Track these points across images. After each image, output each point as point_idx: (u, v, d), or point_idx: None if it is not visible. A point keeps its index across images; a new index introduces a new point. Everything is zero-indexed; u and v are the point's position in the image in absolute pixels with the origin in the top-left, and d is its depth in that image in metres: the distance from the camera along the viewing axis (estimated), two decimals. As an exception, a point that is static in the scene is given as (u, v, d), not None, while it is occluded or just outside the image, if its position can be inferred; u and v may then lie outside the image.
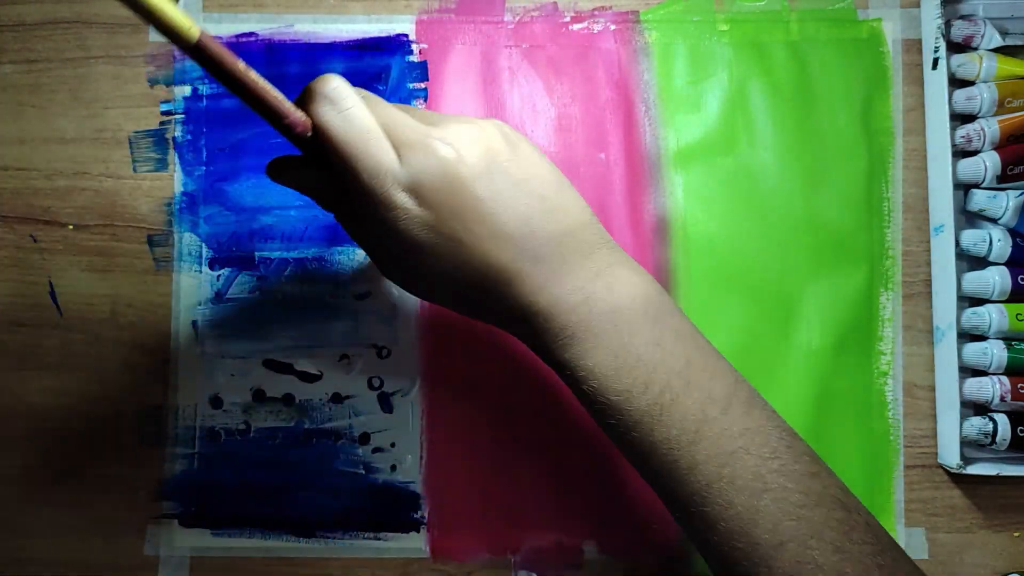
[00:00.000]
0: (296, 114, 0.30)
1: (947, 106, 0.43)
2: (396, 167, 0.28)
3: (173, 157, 0.45)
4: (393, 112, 0.30)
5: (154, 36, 0.46)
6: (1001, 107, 0.43)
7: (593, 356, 0.29)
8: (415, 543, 0.43)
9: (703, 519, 0.28)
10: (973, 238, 0.43)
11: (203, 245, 0.44)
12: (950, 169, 0.43)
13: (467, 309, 0.32)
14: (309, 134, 0.30)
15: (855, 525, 0.27)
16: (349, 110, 0.29)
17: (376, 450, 0.44)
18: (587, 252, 0.30)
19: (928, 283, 0.44)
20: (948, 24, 0.44)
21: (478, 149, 0.29)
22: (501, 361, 0.44)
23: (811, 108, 0.45)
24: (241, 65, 0.28)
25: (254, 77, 0.28)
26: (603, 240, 0.32)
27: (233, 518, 0.43)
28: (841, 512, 0.27)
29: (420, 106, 0.45)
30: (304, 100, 0.30)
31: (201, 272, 0.44)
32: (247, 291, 0.44)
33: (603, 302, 0.29)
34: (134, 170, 0.45)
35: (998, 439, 0.41)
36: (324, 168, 0.31)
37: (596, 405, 0.30)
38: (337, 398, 0.44)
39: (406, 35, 0.45)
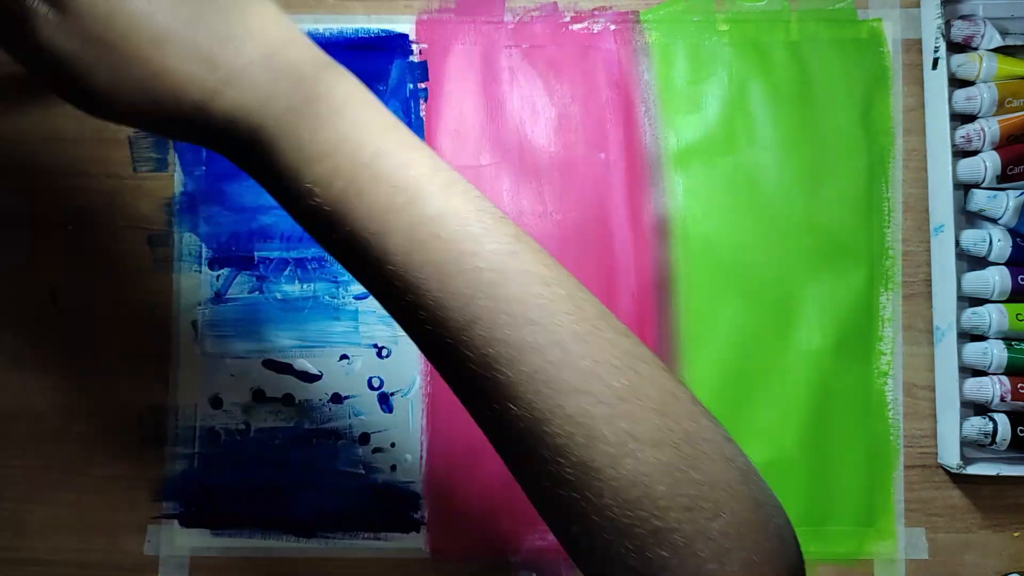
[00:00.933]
0: None
1: (947, 106, 0.43)
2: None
3: (173, 157, 0.45)
4: None
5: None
6: (1001, 107, 0.43)
7: (281, 153, 0.26)
8: (415, 543, 0.43)
9: (407, 311, 0.27)
10: (973, 238, 0.43)
11: (203, 245, 0.44)
12: (950, 169, 0.43)
13: (157, 128, 0.28)
14: None
15: (555, 298, 0.26)
16: None
17: (376, 450, 0.44)
18: (242, 10, 0.26)
19: (928, 283, 0.44)
20: (948, 24, 0.44)
21: None
22: (501, 361, 0.44)
23: (811, 108, 0.45)
24: None
25: None
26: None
27: (233, 518, 0.43)
28: (539, 287, 0.26)
29: (422, 107, 0.45)
30: None
31: (201, 272, 0.44)
32: (247, 291, 0.44)
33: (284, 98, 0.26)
34: (134, 170, 0.45)
35: (998, 439, 0.41)
36: None
37: (296, 207, 0.27)
38: (337, 398, 0.44)
39: (406, 35, 0.45)
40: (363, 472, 0.44)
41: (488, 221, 0.27)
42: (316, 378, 0.44)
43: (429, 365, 0.44)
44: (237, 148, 0.28)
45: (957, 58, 0.44)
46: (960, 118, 0.44)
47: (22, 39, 0.27)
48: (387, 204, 0.26)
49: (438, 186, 0.27)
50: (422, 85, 0.45)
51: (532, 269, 0.26)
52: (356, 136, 0.27)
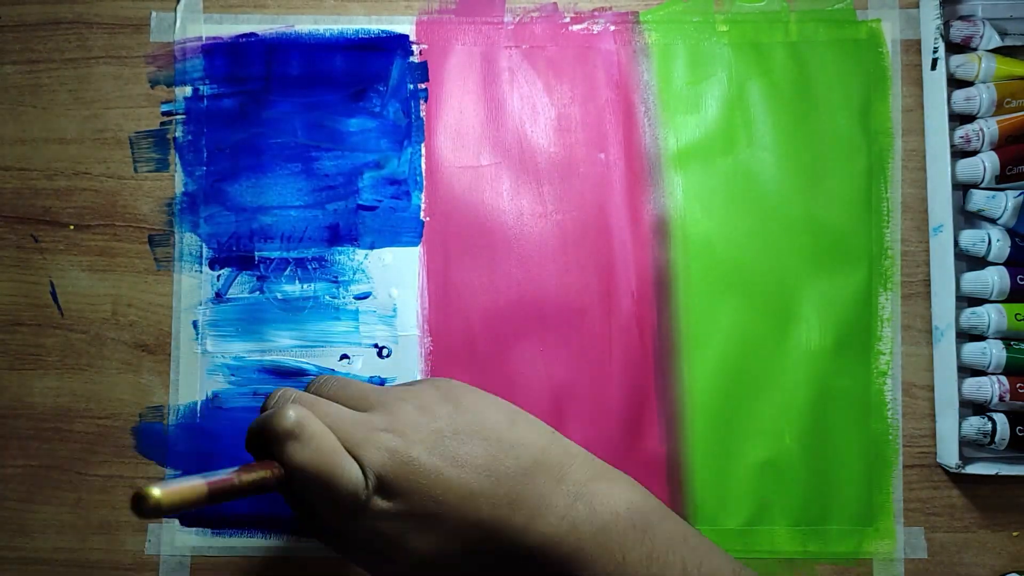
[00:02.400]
0: (272, 475, 0.29)
1: (946, 106, 0.43)
2: (360, 478, 0.28)
3: (174, 157, 0.45)
4: (332, 413, 0.30)
5: (155, 36, 0.46)
6: (1000, 107, 0.43)
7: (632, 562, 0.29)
8: (415, 543, 0.43)
9: None
10: (972, 238, 0.43)
11: (203, 245, 0.45)
12: (949, 169, 0.43)
13: (476, 572, 0.31)
14: (283, 479, 0.29)
15: None
16: (313, 439, 0.29)
17: (376, 450, 0.44)
18: (559, 476, 0.30)
19: (927, 283, 0.44)
20: (947, 25, 0.44)
21: (421, 423, 0.29)
22: (502, 363, 0.44)
23: (810, 108, 0.45)
24: (236, 480, 0.28)
25: (246, 480, 0.28)
26: (570, 456, 0.31)
27: (233, 518, 0.43)
28: None
29: (422, 107, 0.45)
30: (266, 439, 0.30)
31: (201, 272, 0.44)
32: (247, 291, 0.44)
33: (588, 524, 0.29)
34: (135, 170, 0.45)
35: (997, 439, 0.41)
36: (294, 498, 0.31)
37: None
38: (337, 398, 0.44)
39: (406, 35, 0.45)
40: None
41: None
42: (316, 378, 0.44)
43: (429, 365, 0.44)
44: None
45: (956, 58, 0.44)
46: (959, 118, 0.44)
47: (365, 530, 0.29)
48: None
49: None
50: (422, 85, 0.45)
51: None
52: (663, 555, 0.29)
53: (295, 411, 0.29)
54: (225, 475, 0.28)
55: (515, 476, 0.29)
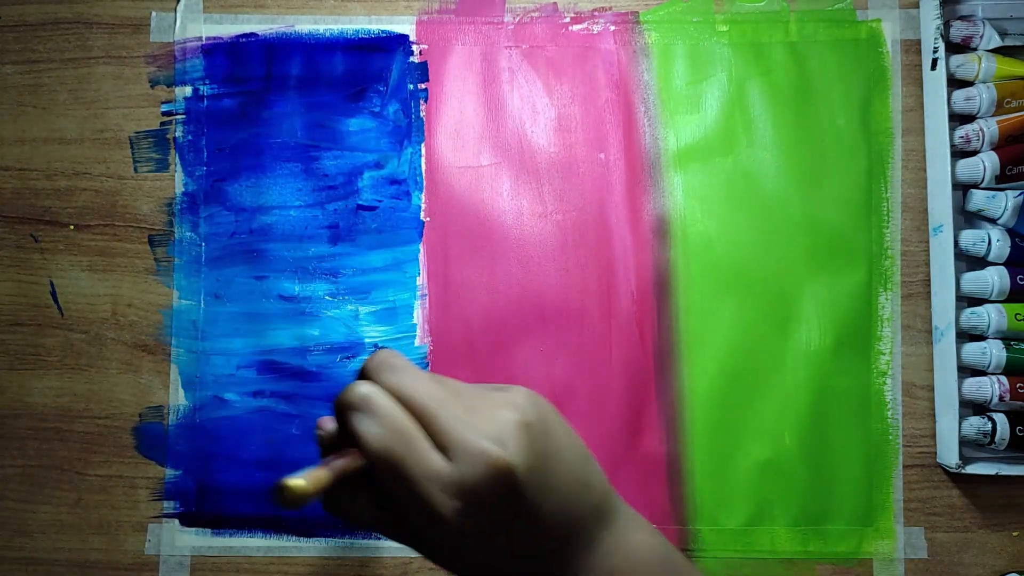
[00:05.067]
0: (353, 461, 0.28)
1: (946, 106, 0.43)
2: (445, 471, 0.27)
3: (174, 157, 0.45)
4: (429, 395, 0.28)
5: (155, 36, 0.46)
6: (1000, 107, 0.43)
7: None
8: (415, 543, 0.43)
9: None
10: (972, 238, 0.43)
11: (203, 245, 0.45)
12: (949, 169, 0.43)
13: None
14: (363, 462, 0.28)
15: None
16: (384, 417, 0.27)
17: (376, 450, 0.44)
18: (608, 523, 0.30)
19: (927, 283, 0.44)
20: (947, 25, 0.44)
21: (524, 444, 0.28)
22: (502, 363, 0.44)
23: (810, 108, 0.45)
24: (329, 474, 0.27)
25: (339, 466, 0.27)
26: (617, 506, 0.31)
27: (233, 518, 0.43)
28: None
29: (422, 107, 0.45)
30: (338, 415, 0.29)
31: (201, 272, 0.44)
32: (247, 291, 0.44)
33: (624, 573, 0.30)
34: (135, 170, 0.45)
35: (997, 439, 0.41)
36: (376, 490, 0.30)
37: None
38: (337, 398, 0.44)
39: (406, 35, 0.45)
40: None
41: None
42: (316, 378, 0.44)
43: (429, 364, 0.44)
44: None
45: (956, 58, 0.44)
46: (959, 118, 0.44)
47: (433, 528, 0.28)
48: None
49: None
50: (422, 85, 0.45)
51: None
52: None
53: (367, 387, 0.28)
54: (328, 464, 0.27)
55: (579, 517, 0.29)
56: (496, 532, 0.28)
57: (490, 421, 0.28)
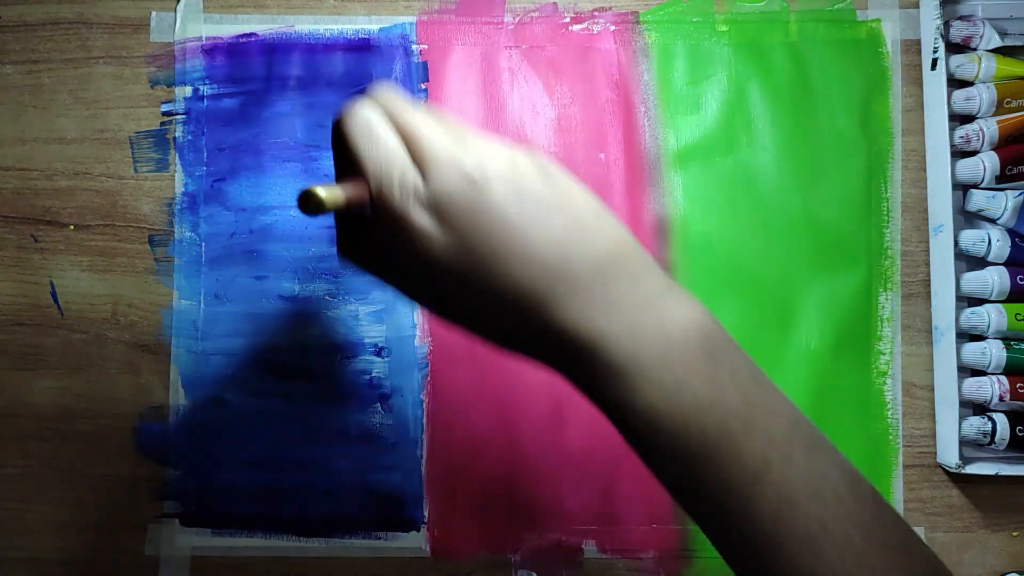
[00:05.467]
0: (359, 188, 0.29)
1: (946, 106, 0.43)
2: (418, 184, 0.27)
3: (174, 157, 0.45)
4: (420, 121, 0.29)
5: (155, 36, 0.46)
6: (1000, 107, 0.43)
7: (643, 395, 0.27)
8: (415, 543, 0.43)
9: (760, 568, 0.26)
10: (972, 238, 0.43)
11: (204, 245, 0.45)
12: (949, 169, 0.43)
13: (505, 340, 0.30)
14: (365, 192, 0.29)
15: (915, 570, 0.26)
16: (379, 139, 0.28)
17: (376, 450, 0.44)
18: (633, 279, 0.28)
19: (927, 283, 0.44)
20: (947, 25, 0.44)
21: (506, 170, 0.28)
22: (502, 362, 0.44)
23: (810, 109, 0.45)
24: (342, 193, 0.29)
25: (349, 189, 0.29)
26: (649, 267, 0.29)
27: (233, 518, 0.43)
28: (902, 557, 0.26)
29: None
30: (339, 137, 0.30)
31: (202, 272, 0.44)
32: (247, 291, 0.44)
33: (654, 335, 0.27)
34: (135, 170, 0.45)
35: (997, 439, 0.41)
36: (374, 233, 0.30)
37: (644, 447, 0.28)
38: (337, 398, 0.44)
39: (406, 36, 0.45)
40: (363, 472, 0.44)
41: (851, 480, 0.27)
42: (316, 378, 0.44)
43: (429, 364, 0.44)
44: (573, 370, 0.29)
45: (956, 58, 0.44)
46: (959, 118, 0.44)
47: (403, 246, 0.28)
48: (761, 460, 0.26)
49: (804, 441, 0.27)
50: (422, 86, 0.45)
51: (896, 537, 0.26)
52: (728, 383, 0.27)
53: (367, 111, 0.29)
54: (341, 185, 0.29)
55: (586, 261, 0.27)
56: (476, 261, 0.27)
57: (477, 148, 0.28)
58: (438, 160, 0.27)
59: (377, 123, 0.29)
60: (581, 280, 0.27)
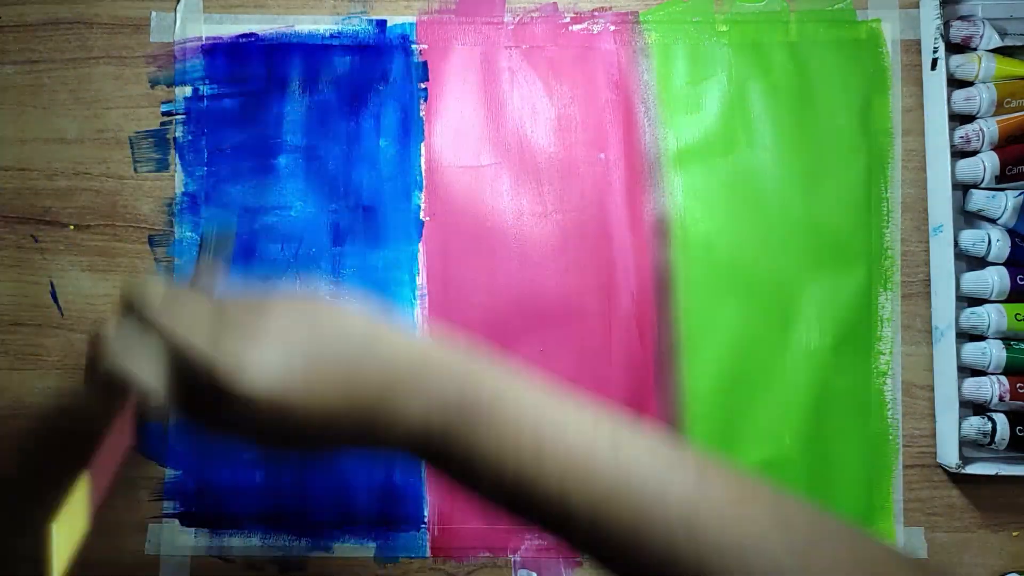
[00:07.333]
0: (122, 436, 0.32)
1: (946, 106, 0.43)
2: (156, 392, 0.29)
3: (174, 157, 0.45)
4: (182, 327, 0.30)
5: (155, 36, 0.46)
6: (1000, 107, 0.43)
7: (480, 441, 0.28)
8: (415, 543, 0.43)
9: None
10: (972, 238, 0.43)
11: (203, 245, 0.45)
12: (949, 169, 0.43)
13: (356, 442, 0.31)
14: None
15: (758, 528, 0.26)
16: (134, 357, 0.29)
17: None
18: (406, 395, 0.29)
19: (927, 283, 0.44)
20: (947, 25, 0.44)
21: (274, 347, 0.29)
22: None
23: (810, 108, 0.45)
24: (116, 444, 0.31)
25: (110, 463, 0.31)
26: (426, 367, 0.30)
27: (233, 518, 0.43)
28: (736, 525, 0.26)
29: (422, 107, 0.45)
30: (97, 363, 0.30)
31: (201, 272, 0.44)
32: (248, 290, 0.44)
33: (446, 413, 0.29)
34: (135, 170, 0.45)
35: (997, 439, 0.41)
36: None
37: (484, 482, 0.29)
38: (337, 398, 0.44)
39: (406, 35, 0.45)
40: (364, 472, 0.44)
41: (667, 468, 0.27)
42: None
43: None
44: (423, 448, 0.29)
45: (956, 59, 0.44)
46: (959, 118, 0.44)
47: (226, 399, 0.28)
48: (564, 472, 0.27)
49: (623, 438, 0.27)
50: (422, 85, 0.45)
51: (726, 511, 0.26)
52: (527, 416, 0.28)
53: (105, 328, 0.30)
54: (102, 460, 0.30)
55: (370, 387, 0.29)
56: (288, 425, 0.28)
57: (231, 345, 0.29)
58: (196, 369, 0.28)
59: (135, 347, 0.30)
60: (372, 411, 0.29)
